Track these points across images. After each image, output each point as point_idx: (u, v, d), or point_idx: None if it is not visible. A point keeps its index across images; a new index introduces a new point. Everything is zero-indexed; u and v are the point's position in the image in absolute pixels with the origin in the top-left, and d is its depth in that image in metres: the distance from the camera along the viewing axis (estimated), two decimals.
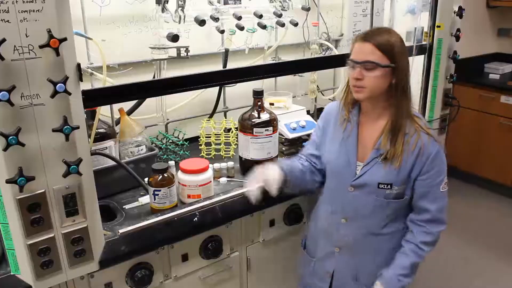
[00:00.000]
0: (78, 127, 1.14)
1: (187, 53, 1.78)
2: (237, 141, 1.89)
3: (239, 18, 1.88)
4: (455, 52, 2.26)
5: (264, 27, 2.00)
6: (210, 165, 1.67)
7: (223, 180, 1.79)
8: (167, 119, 2.03)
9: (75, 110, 1.15)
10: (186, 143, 2.03)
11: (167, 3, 1.75)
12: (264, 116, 1.75)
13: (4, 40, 0.98)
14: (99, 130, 1.62)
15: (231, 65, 2.11)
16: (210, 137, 1.99)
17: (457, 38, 2.23)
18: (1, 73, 1.01)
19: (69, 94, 1.10)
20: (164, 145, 2.00)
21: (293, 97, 2.18)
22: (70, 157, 1.15)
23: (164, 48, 1.76)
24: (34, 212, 1.14)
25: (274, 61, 2.33)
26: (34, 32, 1.03)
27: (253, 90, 1.76)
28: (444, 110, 2.37)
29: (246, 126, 1.74)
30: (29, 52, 1.04)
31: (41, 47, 1.04)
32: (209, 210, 1.56)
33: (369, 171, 1.38)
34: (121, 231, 1.40)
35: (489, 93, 3.73)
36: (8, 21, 0.99)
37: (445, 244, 3.07)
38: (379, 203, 1.40)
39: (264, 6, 2.02)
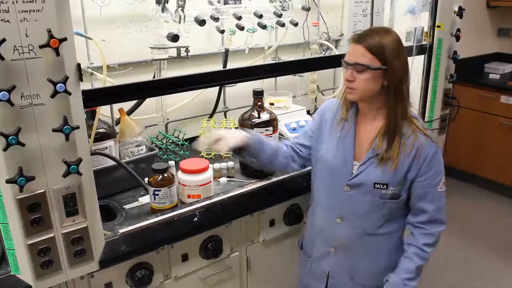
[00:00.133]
0: (78, 127, 1.14)
1: (187, 53, 1.78)
2: None
3: (239, 18, 1.88)
4: (455, 52, 2.26)
5: (264, 27, 2.00)
6: (210, 165, 1.67)
7: (223, 180, 1.79)
8: (167, 119, 2.03)
9: (75, 110, 1.15)
10: (186, 143, 2.03)
11: (167, 3, 1.75)
12: (264, 116, 1.75)
13: (4, 40, 0.98)
14: (99, 130, 1.62)
15: (231, 65, 2.11)
16: None
17: (457, 38, 2.23)
18: (1, 73, 1.01)
19: (69, 94, 1.10)
20: (164, 145, 2.00)
21: (293, 97, 2.18)
22: (70, 157, 1.15)
23: (164, 48, 1.76)
24: (34, 212, 1.14)
25: (274, 61, 2.33)
26: (34, 32, 1.03)
27: (253, 90, 1.76)
28: (444, 110, 2.37)
29: (246, 126, 1.74)
30: (29, 52, 1.04)
31: (41, 47, 1.04)
32: (209, 210, 1.56)
33: (365, 170, 1.38)
34: (121, 231, 1.40)
35: (489, 93, 3.73)
36: (8, 21, 0.99)
37: (445, 244, 3.07)
38: (375, 203, 1.40)
39: (264, 6, 2.02)
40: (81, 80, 1.15)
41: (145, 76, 1.88)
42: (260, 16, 1.93)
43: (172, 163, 1.70)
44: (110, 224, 1.50)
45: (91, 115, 1.58)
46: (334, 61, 2.06)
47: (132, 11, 1.89)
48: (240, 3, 1.98)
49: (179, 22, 1.76)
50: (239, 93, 2.20)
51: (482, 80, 3.87)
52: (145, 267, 1.45)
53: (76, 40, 1.14)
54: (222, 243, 1.63)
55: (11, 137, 1.03)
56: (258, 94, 1.75)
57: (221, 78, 1.65)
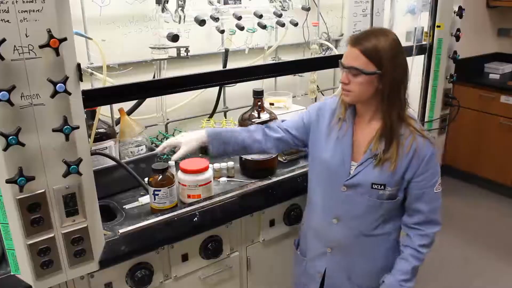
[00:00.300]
0: (78, 127, 1.14)
1: (187, 53, 1.78)
2: None
3: (239, 18, 1.88)
4: (455, 52, 2.26)
5: (264, 27, 2.00)
6: (210, 165, 1.67)
7: (223, 180, 1.79)
8: (167, 119, 2.03)
9: (75, 110, 1.15)
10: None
11: (167, 3, 1.75)
12: (264, 116, 1.75)
13: (4, 40, 0.98)
14: (99, 130, 1.62)
15: (231, 65, 2.11)
16: None
17: (457, 38, 2.23)
18: (1, 73, 1.01)
19: (69, 94, 1.10)
20: None
21: (293, 97, 2.18)
22: (70, 157, 1.15)
23: (164, 48, 1.76)
24: (34, 212, 1.14)
25: (274, 61, 2.33)
26: (34, 32, 1.03)
27: (253, 90, 1.76)
28: (444, 110, 2.37)
29: (246, 126, 1.74)
30: (29, 52, 1.04)
31: (41, 47, 1.04)
32: (209, 210, 1.56)
33: (363, 171, 1.38)
34: (121, 231, 1.40)
35: (489, 93, 3.73)
36: (8, 21, 0.99)
37: (445, 244, 3.08)
38: (371, 204, 1.40)
39: (264, 6, 2.02)
40: (81, 80, 1.15)
41: (145, 76, 1.88)
42: (260, 16, 1.93)
43: (172, 163, 1.70)
44: (110, 224, 1.50)
45: (91, 115, 1.58)
46: (334, 61, 2.04)
47: (132, 11, 1.89)
48: (240, 3, 1.98)
49: (179, 22, 1.77)
50: (239, 93, 2.21)
51: (482, 80, 3.87)
52: (145, 267, 1.45)
53: (76, 40, 1.15)
54: (222, 243, 1.63)
55: (11, 137, 1.03)
56: (258, 94, 1.75)
57: (221, 78, 1.65)
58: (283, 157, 1.95)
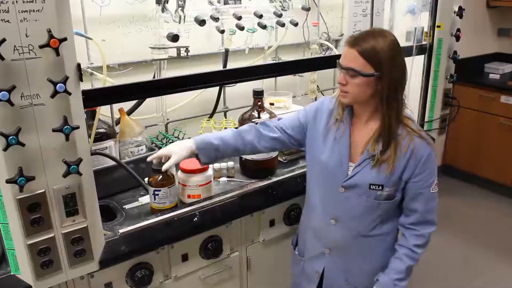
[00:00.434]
0: (78, 127, 1.14)
1: (187, 53, 1.78)
2: None
3: (239, 18, 1.88)
4: (455, 52, 2.26)
5: (264, 27, 2.00)
6: (210, 165, 1.67)
7: (223, 180, 1.79)
8: (167, 119, 2.03)
9: (75, 110, 1.15)
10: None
11: (167, 3, 1.75)
12: (264, 116, 1.75)
13: (4, 40, 0.98)
14: (99, 130, 1.62)
15: (231, 65, 2.11)
16: None
17: (457, 38, 2.23)
18: (1, 73, 1.01)
19: (69, 94, 1.10)
20: (164, 145, 2.00)
21: (293, 97, 2.18)
22: (70, 157, 1.15)
23: (164, 48, 1.76)
24: (34, 212, 1.14)
25: (274, 61, 2.33)
26: (34, 32, 1.03)
27: (253, 90, 1.76)
28: (444, 110, 2.37)
29: None
30: (29, 52, 1.04)
31: (41, 47, 1.04)
32: (209, 210, 1.56)
33: (361, 172, 1.38)
34: (121, 231, 1.40)
35: (489, 93, 3.73)
36: (8, 21, 0.99)
37: (445, 244, 3.08)
38: (369, 204, 1.40)
39: (264, 6, 2.02)
40: (81, 80, 1.15)
41: (145, 76, 1.88)
42: (260, 16, 1.93)
43: None
44: (110, 224, 1.50)
45: (91, 115, 1.58)
46: (334, 61, 2.02)
47: (132, 11, 1.89)
48: (240, 3, 1.98)
49: (179, 22, 1.77)
50: (239, 93, 2.21)
51: (482, 80, 3.87)
52: (145, 267, 1.45)
53: (76, 40, 1.15)
54: (222, 243, 1.63)
55: (11, 137, 1.03)
56: (258, 94, 1.75)
57: (221, 78, 1.65)
58: (283, 157, 1.95)
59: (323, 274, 1.55)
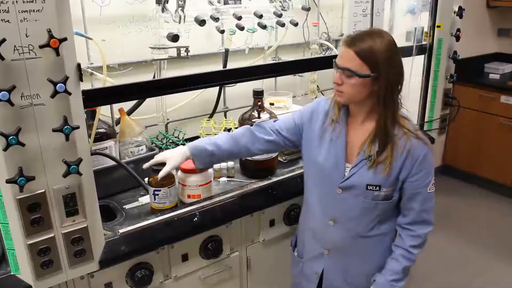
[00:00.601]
0: (78, 127, 1.14)
1: (187, 53, 1.78)
2: None
3: (239, 18, 1.88)
4: (455, 52, 2.26)
5: (264, 27, 2.00)
6: None
7: (223, 180, 1.79)
8: (167, 119, 2.04)
9: (75, 110, 1.15)
10: (186, 144, 2.02)
11: (167, 3, 1.75)
12: (264, 116, 1.75)
13: (4, 40, 0.98)
14: (99, 130, 1.62)
15: (231, 65, 2.11)
16: None
17: (457, 38, 2.23)
18: (1, 73, 1.01)
19: (69, 94, 1.10)
20: (164, 145, 2.00)
21: (293, 97, 2.18)
22: (70, 157, 1.15)
23: (164, 48, 1.76)
24: (34, 212, 1.14)
25: (274, 61, 2.33)
26: (34, 32, 1.03)
27: (253, 90, 1.76)
28: (444, 110, 2.37)
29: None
30: (29, 52, 1.04)
31: (41, 47, 1.04)
32: (209, 210, 1.56)
33: (357, 172, 1.37)
34: (121, 231, 1.40)
35: (489, 93, 3.73)
36: (8, 21, 0.99)
37: (445, 244, 3.08)
38: (367, 205, 1.39)
39: (264, 6, 2.02)
40: (81, 80, 1.15)
41: (145, 76, 1.88)
42: (260, 16, 1.93)
43: None
44: (110, 224, 1.50)
45: (91, 115, 1.58)
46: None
47: (132, 11, 1.89)
48: (240, 3, 1.98)
49: (179, 22, 1.77)
50: (239, 93, 2.21)
51: (482, 80, 3.87)
52: (145, 267, 1.45)
53: (76, 40, 1.15)
54: (222, 243, 1.63)
55: (11, 137, 1.03)
56: (258, 94, 1.75)
57: (221, 78, 1.65)
58: (283, 157, 1.95)
59: (323, 274, 1.55)
